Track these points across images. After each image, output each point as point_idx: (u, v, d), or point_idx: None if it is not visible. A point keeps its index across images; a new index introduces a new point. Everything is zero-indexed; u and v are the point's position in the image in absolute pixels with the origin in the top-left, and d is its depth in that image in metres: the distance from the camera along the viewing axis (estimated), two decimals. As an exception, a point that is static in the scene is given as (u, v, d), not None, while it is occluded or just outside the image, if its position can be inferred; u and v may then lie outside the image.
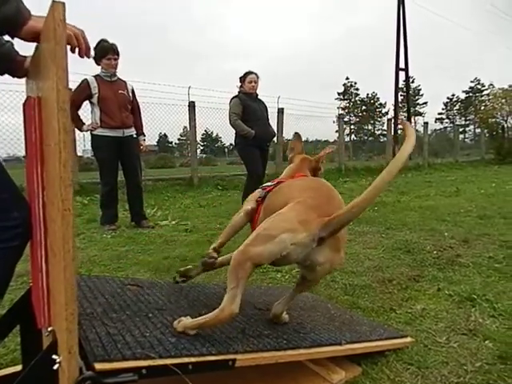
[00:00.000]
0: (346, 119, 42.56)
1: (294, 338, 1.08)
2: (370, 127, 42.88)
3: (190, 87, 7.83)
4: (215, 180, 7.41)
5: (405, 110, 20.21)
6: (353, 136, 42.26)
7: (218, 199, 5.59)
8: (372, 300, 1.71)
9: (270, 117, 4.25)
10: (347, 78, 43.98)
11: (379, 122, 41.97)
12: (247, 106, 3.90)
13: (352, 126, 43.51)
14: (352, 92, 44.01)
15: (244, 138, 3.89)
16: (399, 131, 17.90)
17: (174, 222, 3.57)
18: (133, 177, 3.46)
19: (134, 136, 3.49)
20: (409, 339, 1.31)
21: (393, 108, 19.06)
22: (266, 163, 4.22)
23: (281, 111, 8.67)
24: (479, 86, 40.99)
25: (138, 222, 3.47)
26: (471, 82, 44.19)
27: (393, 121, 14.78)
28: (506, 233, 2.86)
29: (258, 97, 4.12)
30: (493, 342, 1.30)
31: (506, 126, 15.24)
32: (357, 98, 44.06)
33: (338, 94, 44.27)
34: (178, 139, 22.80)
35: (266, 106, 4.16)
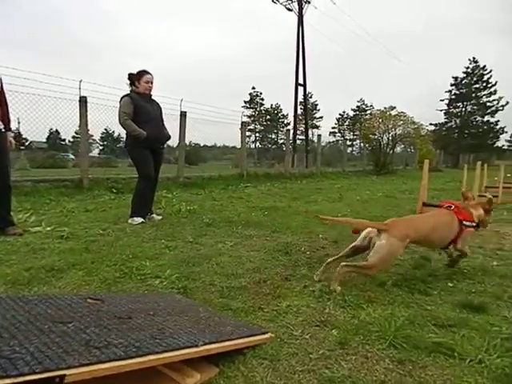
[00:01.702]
0: (251, 127, 44.22)
1: (147, 345, 1.05)
2: (273, 136, 45.34)
3: (81, 81, 7.19)
4: (109, 182, 6.89)
5: (303, 122, 21.90)
6: (258, 143, 44.07)
7: (109, 203, 5.20)
8: (245, 301, 1.79)
9: (171, 119, 4.15)
10: (253, 88, 45.88)
11: (282, 131, 44.69)
12: (139, 107, 3.74)
13: (257, 134, 45.37)
14: (257, 101, 46.04)
15: (135, 139, 3.72)
16: (297, 141, 19.25)
17: (48, 229, 3.19)
18: (1, 176, 3.01)
19: (3, 130, 3.04)
20: (268, 335, 1.40)
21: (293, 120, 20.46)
22: (160, 166, 4.10)
23: (183, 114, 8.55)
24: (364, 106, 47.13)
25: (2, 228, 3.01)
26: (358, 101, 50.48)
27: (291, 131, 15.86)
28: (368, 234, 3.31)
29: (152, 97, 3.99)
30: (337, 330, 1.48)
31: (382, 142, 17.68)
32: (262, 108, 46.27)
33: (245, 102, 45.85)
34: (73, 137, 20.55)
35: (160, 107, 4.05)
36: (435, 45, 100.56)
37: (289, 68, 19.05)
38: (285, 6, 19.84)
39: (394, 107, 17.73)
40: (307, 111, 22.06)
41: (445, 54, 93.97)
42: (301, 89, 19.50)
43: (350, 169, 18.18)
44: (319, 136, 14.96)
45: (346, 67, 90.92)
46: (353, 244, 2.09)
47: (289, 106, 18.92)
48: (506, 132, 37.20)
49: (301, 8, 19.08)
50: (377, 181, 12.88)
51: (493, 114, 34.62)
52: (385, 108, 17.70)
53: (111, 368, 0.89)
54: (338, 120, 52.93)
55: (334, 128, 51.46)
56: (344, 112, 52.47)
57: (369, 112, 26.15)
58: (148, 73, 3.89)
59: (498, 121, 34.88)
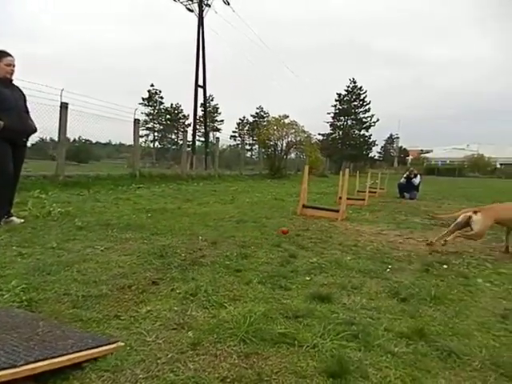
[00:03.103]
0: (150, 125, 42.25)
1: None
2: (173, 136, 44.09)
3: None
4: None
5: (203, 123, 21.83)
6: (157, 143, 42.32)
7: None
8: (101, 309, 1.66)
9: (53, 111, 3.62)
10: (152, 85, 43.89)
11: (182, 132, 43.88)
12: (-4, 92, 3.20)
13: (156, 134, 43.56)
14: (157, 100, 44.19)
15: (-11, 130, 3.16)
16: (198, 143, 19.11)
17: None
18: None
19: None
20: (115, 345, 1.31)
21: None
22: (22, 162, 3.57)
23: (64, 106, 7.67)
24: (262, 113, 49.52)
25: None
26: (257, 108, 52.80)
27: (190, 132, 15.68)
28: (248, 235, 3.45)
29: (13, 83, 3.46)
30: (194, 331, 1.49)
31: (277, 148, 18.82)
32: (161, 107, 44.56)
33: (143, 99, 43.52)
34: None
35: (23, 95, 3.53)
36: (325, 63, 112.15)
37: (190, 69, 18.81)
38: (185, 5, 19.56)
39: (288, 116, 19.05)
40: (207, 113, 22.10)
41: (333, 72, 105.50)
42: (201, 91, 19.46)
43: (248, 172, 18.84)
44: (217, 139, 15.16)
45: (248, 75, 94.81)
46: (455, 223, 3.40)
47: (190, 106, 18.73)
48: (377, 145, 44.51)
49: (201, 10, 19.05)
50: (271, 184, 13.63)
51: (367, 128, 40.16)
52: (279, 116, 18.87)
53: None
54: (238, 124, 54.43)
55: (234, 132, 52.75)
56: (244, 117, 54.30)
57: (266, 119, 27.65)
58: (8, 54, 3.37)
59: (371, 135, 40.69)
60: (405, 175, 9.80)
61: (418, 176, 9.60)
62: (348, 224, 4.63)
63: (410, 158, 60.35)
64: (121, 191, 7.34)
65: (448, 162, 54.34)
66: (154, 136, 42.98)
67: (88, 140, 17.81)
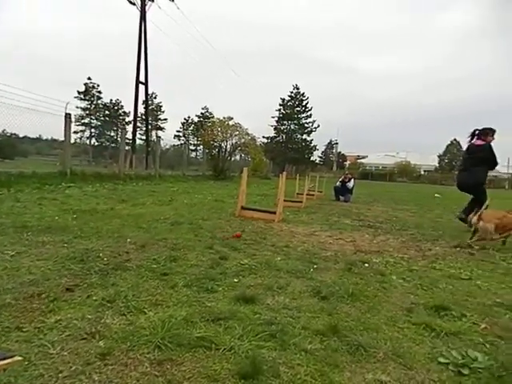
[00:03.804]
0: (86, 121, 39.63)
1: None
2: (113, 134, 41.79)
3: None
4: None
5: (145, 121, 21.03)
6: (94, 140, 39.82)
7: None
8: (1, 321, 1.49)
9: None
10: (89, 79, 41.17)
11: (122, 129, 41.81)
12: None
13: (94, 130, 40.97)
14: (94, 94, 41.54)
15: None
16: (139, 141, 18.32)
17: None
18: None
19: None
20: (9, 360, 1.18)
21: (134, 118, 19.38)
22: None
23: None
24: (207, 114, 49.08)
25: None
26: (202, 108, 52.22)
27: (130, 129, 14.99)
28: (181, 237, 3.38)
29: None
30: (106, 340, 1.40)
31: (221, 149, 18.75)
32: (99, 102, 41.99)
33: (79, 93, 40.64)
34: None
35: None
36: (271, 68, 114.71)
37: (132, 64, 17.97)
38: (127, -3, 18.67)
39: (232, 118, 19.09)
40: (149, 111, 21.31)
41: (278, 77, 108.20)
42: (143, 87, 18.70)
43: (192, 173, 18.51)
44: (159, 138, 14.66)
45: (193, 74, 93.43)
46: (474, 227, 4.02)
47: (131, 103, 17.84)
48: (318, 149, 46.77)
49: (144, 4, 18.35)
50: (213, 185, 13.52)
51: (309, 133, 41.85)
52: (224, 117, 18.84)
53: None
54: (183, 124, 53.30)
55: (178, 132, 51.57)
56: (189, 117, 53.33)
57: (211, 119, 27.43)
58: None
59: (312, 140, 42.49)
60: (340, 179, 10.35)
61: (352, 180, 10.20)
62: (284, 225, 4.76)
63: (347, 162, 64.06)
64: (47, 190, 6.77)
65: (381, 167, 58.76)
66: (91, 132, 40.38)
67: (14, 134, 16.16)
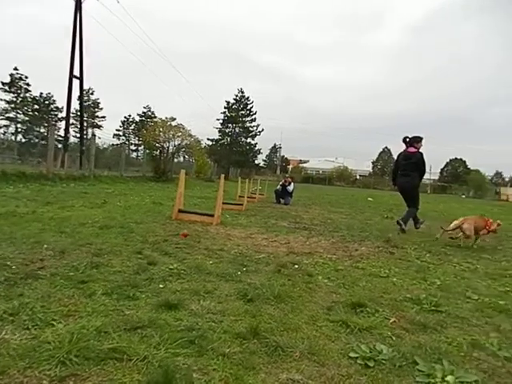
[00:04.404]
0: (11, 115, 35.99)
1: None
2: (43, 130, 38.39)
3: None
4: None
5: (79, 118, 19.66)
6: (21, 136, 36.26)
7: None
8: None
9: None
10: (16, 69, 37.44)
11: (52, 126, 38.68)
12: None
13: (20, 125, 37.31)
14: (21, 86, 37.85)
15: None
16: (74, 139, 17.03)
17: None
18: None
19: None
20: None
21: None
22: None
23: None
24: (150, 113, 47.35)
25: None
26: (144, 107, 50.26)
27: (62, 126, 13.90)
28: (108, 241, 3.18)
29: None
30: (1, 358, 1.26)
31: (163, 150, 18.19)
32: (28, 95, 38.35)
33: (3, 84, 36.71)
34: None
35: None
36: (217, 70, 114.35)
37: (66, 56, 16.62)
38: (60, -17, 17.32)
39: (175, 118, 18.66)
40: (83, 107, 19.95)
41: (223, 80, 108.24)
42: (77, 82, 17.44)
43: (131, 174, 17.66)
44: (94, 136, 13.79)
45: (136, 72, 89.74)
46: (454, 227, 4.76)
47: (64, 98, 16.45)
48: (262, 153, 47.56)
49: (79, -8, 17.14)
50: (153, 187, 13.04)
51: (253, 137, 42.34)
52: (166, 118, 18.33)
53: None
54: (123, 123, 50.77)
55: (118, 130, 49.02)
56: (130, 116, 50.97)
57: (154, 119, 26.46)
58: None
59: (257, 143, 43.10)
60: (281, 183, 10.61)
61: (292, 184, 10.52)
62: (221, 228, 4.73)
63: (290, 166, 66.09)
64: (-46, 192, 6.01)
65: (321, 172, 61.61)
66: (17, 128, 36.71)
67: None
